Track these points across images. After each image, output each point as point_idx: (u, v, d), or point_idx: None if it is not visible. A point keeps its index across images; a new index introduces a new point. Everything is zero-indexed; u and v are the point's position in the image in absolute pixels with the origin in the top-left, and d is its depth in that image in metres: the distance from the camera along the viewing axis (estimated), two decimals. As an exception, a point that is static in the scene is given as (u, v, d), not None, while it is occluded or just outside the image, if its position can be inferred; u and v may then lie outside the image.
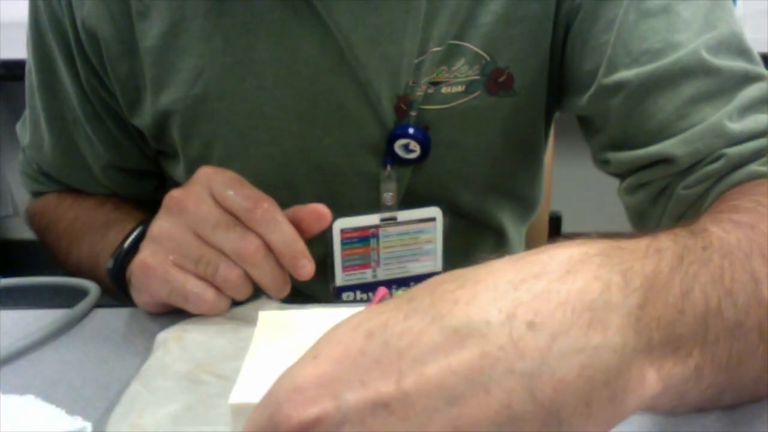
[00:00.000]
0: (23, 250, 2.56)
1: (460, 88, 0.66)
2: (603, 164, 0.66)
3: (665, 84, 0.58)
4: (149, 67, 0.67)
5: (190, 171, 0.69)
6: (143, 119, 0.71)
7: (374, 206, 0.69)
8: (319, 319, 0.50)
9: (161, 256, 0.56)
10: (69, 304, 0.62)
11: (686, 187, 0.58)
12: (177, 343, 0.55)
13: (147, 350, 0.56)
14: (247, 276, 0.55)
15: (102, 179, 0.77)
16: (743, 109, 0.57)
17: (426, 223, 0.69)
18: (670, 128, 0.58)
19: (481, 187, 0.73)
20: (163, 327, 0.57)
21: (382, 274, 0.71)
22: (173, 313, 0.59)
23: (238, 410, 0.42)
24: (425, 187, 0.71)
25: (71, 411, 0.47)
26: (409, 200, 0.70)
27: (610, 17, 0.61)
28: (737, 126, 0.56)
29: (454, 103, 0.66)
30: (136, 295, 0.60)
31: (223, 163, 0.68)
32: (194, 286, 0.55)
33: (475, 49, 0.65)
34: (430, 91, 0.66)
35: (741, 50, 0.60)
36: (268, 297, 0.61)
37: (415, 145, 0.67)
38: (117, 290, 0.62)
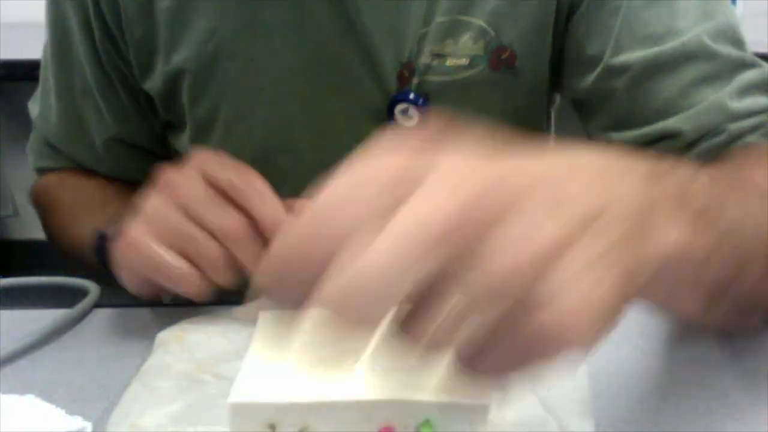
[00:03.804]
0: (23, 250, 2.56)
1: (464, 61, 0.67)
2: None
3: (668, 67, 0.62)
4: (164, 27, 0.69)
5: (196, 137, 0.71)
6: (154, 82, 0.72)
7: None
8: (318, 320, 0.50)
9: (144, 230, 0.55)
10: (69, 304, 0.62)
11: (690, 159, 0.60)
12: (177, 343, 0.55)
13: (147, 350, 0.56)
14: (229, 257, 0.54)
15: (104, 154, 0.77)
16: (742, 91, 0.61)
17: None
18: (674, 107, 0.62)
19: None
20: (163, 327, 0.57)
21: None
22: (173, 314, 0.59)
23: (237, 410, 0.42)
24: None
25: (71, 411, 0.47)
26: None
27: (616, 3, 0.65)
28: (738, 104, 0.60)
29: (456, 76, 0.67)
30: (120, 273, 0.59)
31: (230, 124, 0.69)
32: (175, 261, 0.54)
33: (481, 23, 0.66)
34: (435, 62, 0.67)
35: (735, 39, 0.64)
36: (268, 297, 0.61)
37: (413, 111, 0.68)
38: (101, 267, 0.61)
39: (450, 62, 0.67)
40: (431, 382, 0.43)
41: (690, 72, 0.62)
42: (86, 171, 0.80)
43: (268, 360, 0.46)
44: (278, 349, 0.47)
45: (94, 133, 0.76)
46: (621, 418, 0.49)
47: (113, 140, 0.77)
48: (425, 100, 0.68)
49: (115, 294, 0.64)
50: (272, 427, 0.42)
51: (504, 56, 0.67)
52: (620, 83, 0.64)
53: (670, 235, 0.35)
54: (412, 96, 0.67)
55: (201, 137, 0.65)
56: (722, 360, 0.55)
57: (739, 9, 2.03)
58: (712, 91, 0.61)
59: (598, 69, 0.65)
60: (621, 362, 0.55)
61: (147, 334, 0.58)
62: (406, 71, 0.67)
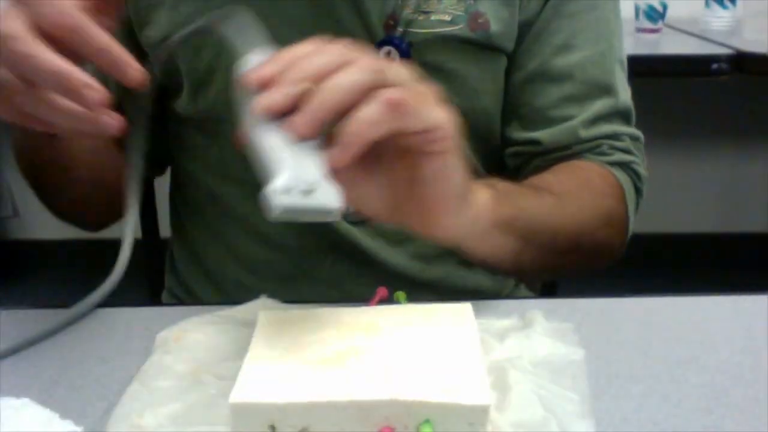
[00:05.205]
0: (24, 251, 2.56)
1: (446, 18, 0.73)
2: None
3: (552, 79, 0.76)
4: None
5: (196, 90, 0.74)
6: (154, 36, 0.74)
7: None
8: (319, 319, 0.51)
9: None
10: (69, 304, 0.62)
11: (542, 161, 0.78)
12: (177, 343, 0.55)
13: (147, 350, 0.56)
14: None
15: None
16: (592, 121, 0.77)
17: None
18: (544, 114, 0.77)
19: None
20: (163, 327, 0.57)
21: None
22: (173, 314, 0.59)
23: (238, 410, 0.42)
24: None
25: (71, 411, 0.47)
26: None
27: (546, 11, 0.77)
28: (585, 133, 0.77)
29: (438, 30, 0.73)
30: None
31: (231, 69, 0.72)
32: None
33: None
34: (421, 18, 0.73)
35: (617, 60, 0.79)
36: (268, 297, 0.61)
37: (395, 54, 0.73)
38: None
39: (434, 17, 0.73)
40: (431, 382, 0.43)
41: (564, 89, 0.76)
42: None
43: (268, 360, 0.46)
44: (278, 349, 0.47)
45: None
46: (621, 418, 0.49)
47: None
48: (408, 45, 0.73)
49: (115, 294, 0.64)
50: (272, 427, 0.42)
51: (480, 20, 0.74)
52: (517, 77, 0.77)
53: (482, 201, 0.58)
54: (396, 40, 0.73)
55: (201, 88, 0.72)
56: (722, 360, 0.56)
57: (739, 9, 2.03)
58: (573, 110, 0.76)
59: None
60: (621, 362, 0.55)
61: (147, 334, 0.58)
62: (392, 21, 0.73)
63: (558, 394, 0.49)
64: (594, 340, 0.57)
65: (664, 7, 1.93)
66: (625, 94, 0.80)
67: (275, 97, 0.47)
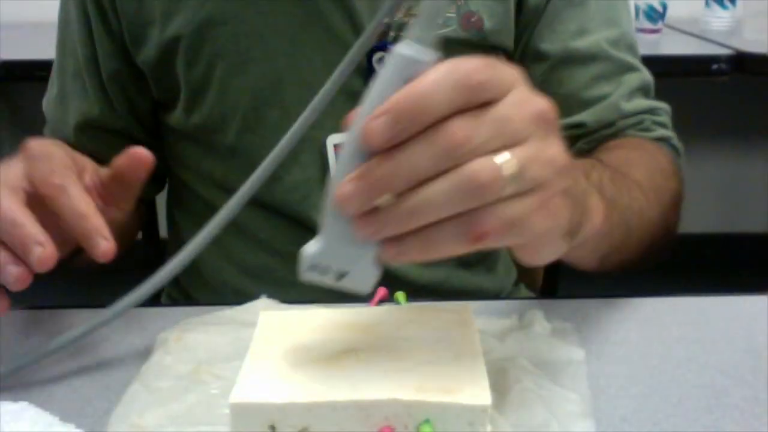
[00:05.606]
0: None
1: None
2: None
3: (577, 61, 0.76)
4: (159, 1, 0.73)
5: (191, 102, 0.75)
6: (148, 53, 0.75)
7: None
8: (319, 319, 0.51)
9: None
10: (71, 303, 0.62)
11: (586, 143, 0.77)
12: (177, 343, 0.55)
13: (147, 350, 0.56)
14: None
15: (78, 135, 0.79)
16: (629, 94, 0.77)
17: None
18: (577, 97, 0.76)
19: None
20: (163, 327, 0.57)
21: None
22: (173, 314, 0.59)
23: (238, 410, 0.42)
24: None
25: (71, 411, 0.47)
26: None
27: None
28: (627, 105, 0.77)
29: None
30: None
31: (224, 83, 0.74)
32: None
33: None
34: (412, 21, 0.72)
35: (629, 45, 0.79)
36: (268, 297, 0.61)
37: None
38: None
39: None
40: (431, 382, 0.43)
41: (592, 69, 0.76)
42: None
43: (268, 360, 0.46)
44: (278, 349, 0.47)
45: (73, 114, 0.79)
46: (621, 418, 0.49)
47: (88, 124, 0.79)
48: None
49: (114, 294, 0.64)
50: (272, 427, 0.42)
51: (473, 19, 0.74)
52: (538, 69, 0.76)
53: (597, 218, 0.52)
54: (389, 45, 0.71)
55: (196, 101, 0.73)
56: (722, 360, 0.56)
57: (739, 9, 2.03)
58: (607, 87, 0.76)
59: (518, 51, 0.77)
60: (621, 362, 0.55)
61: (147, 334, 0.58)
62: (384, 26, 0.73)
63: (558, 394, 0.49)
64: (594, 340, 0.57)
65: (664, 7, 1.93)
66: (646, 71, 0.80)
67: (351, 200, 0.40)
